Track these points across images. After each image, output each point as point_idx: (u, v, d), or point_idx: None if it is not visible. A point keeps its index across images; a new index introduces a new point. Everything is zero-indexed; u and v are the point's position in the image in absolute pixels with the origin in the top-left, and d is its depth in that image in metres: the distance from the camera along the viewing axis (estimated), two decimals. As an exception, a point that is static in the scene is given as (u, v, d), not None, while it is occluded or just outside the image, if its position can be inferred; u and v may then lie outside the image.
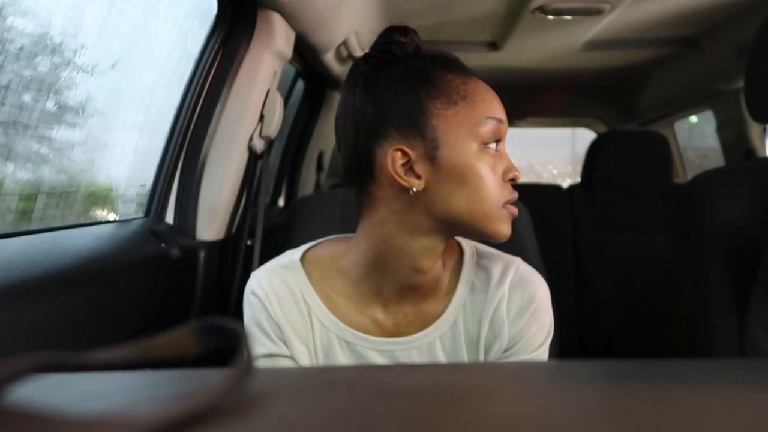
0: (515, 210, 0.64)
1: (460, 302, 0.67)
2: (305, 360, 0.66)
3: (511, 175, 0.62)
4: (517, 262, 0.70)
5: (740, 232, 0.91)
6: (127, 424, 0.21)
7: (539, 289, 0.69)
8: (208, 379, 0.30)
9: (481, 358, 0.67)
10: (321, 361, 0.67)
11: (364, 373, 0.33)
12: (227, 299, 1.31)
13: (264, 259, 1.28)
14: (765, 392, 0.28)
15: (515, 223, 0.89)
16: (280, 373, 0.35)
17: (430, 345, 0.66)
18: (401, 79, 0.61)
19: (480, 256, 0.71)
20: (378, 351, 0.66)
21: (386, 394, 0.27)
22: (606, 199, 1.97)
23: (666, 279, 1.83)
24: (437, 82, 0.61)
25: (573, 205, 2.00)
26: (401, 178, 0.60)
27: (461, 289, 0.68)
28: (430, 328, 0.66)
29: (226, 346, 0.30)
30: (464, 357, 0.67)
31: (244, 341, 0.28)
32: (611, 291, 1.93)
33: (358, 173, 0.63)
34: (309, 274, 0.68)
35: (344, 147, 0.65)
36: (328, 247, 0.70)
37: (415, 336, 0.66)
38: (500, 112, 0.62)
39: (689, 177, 2.77)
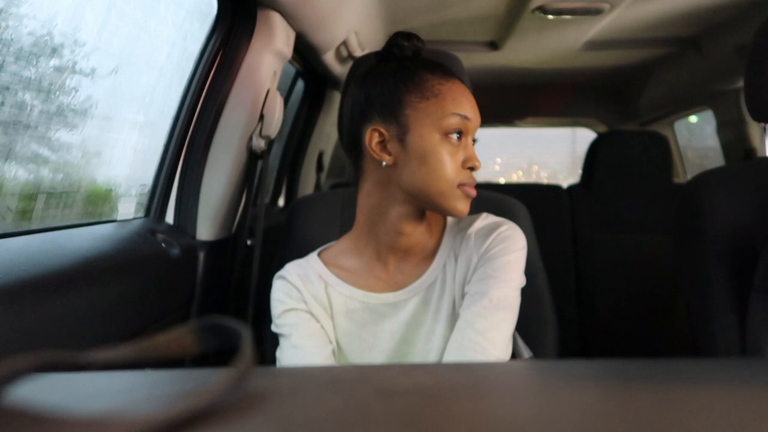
0: (471, 192, 0.74)
1: (445, 252, 0.80)
2: (323, 319, 0.79)
3: (469, 164, 0.74)
4: (491, 216, 0.83)
5: (740, 231, 0.91)
6: (127, 424, 0.21)
7: (505, 223, 0.80)
8: (208, 379, 0.30)
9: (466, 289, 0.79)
10: (342, 321, 0.79)
11: (364, 372, 0.33)
12: (227, 299, 1.31)
13: (264, 259, 1.29)
14: (765, 392, 0.28)
15: (516, 222, 0.89)
16: (280, 372, 0.35)
17: (426, 290, 0.79)
18: (389, 75, 0.75)
19: (463, 219, 0.83)
20: (386, 304, 0.79)
21: (386, 393, 0.27)
22: (606, 198, 1.97)
23: (666, 279, 1.83)
24: (417, 80, 0.74)
25: (573, 205, 2.01)
26: (375, 152, 0.74)
27: (445, 243, 0.81)
28: (424, 276, 0.79)
29: (226, 345, 0.30)
30: (456, 294, 0.78)
31: (244, 340, 0.28)
32: (611, 291, 1.93)
33: (351, 148, 0.79)
34: (324, 261, 0.82)
35: (344, 126, 0.80)
36: (337, 243, 0.85)
37: (413, 285, 0.79)
38: (468, 111, 0.74)
39: (689, 177, 2.77)
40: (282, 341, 0.79)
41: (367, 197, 0.78)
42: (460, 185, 0.73)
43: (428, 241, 0.81)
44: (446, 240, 0.81)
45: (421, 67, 0.75)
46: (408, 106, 0.72)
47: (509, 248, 0.77)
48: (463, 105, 0.73)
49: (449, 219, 0.84)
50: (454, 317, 0.77)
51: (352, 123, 0.77)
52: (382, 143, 0.74)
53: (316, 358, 0.76)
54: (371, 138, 0.74)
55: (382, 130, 0.73)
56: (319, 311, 0.79)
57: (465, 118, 0.73)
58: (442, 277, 0.79)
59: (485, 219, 0.82)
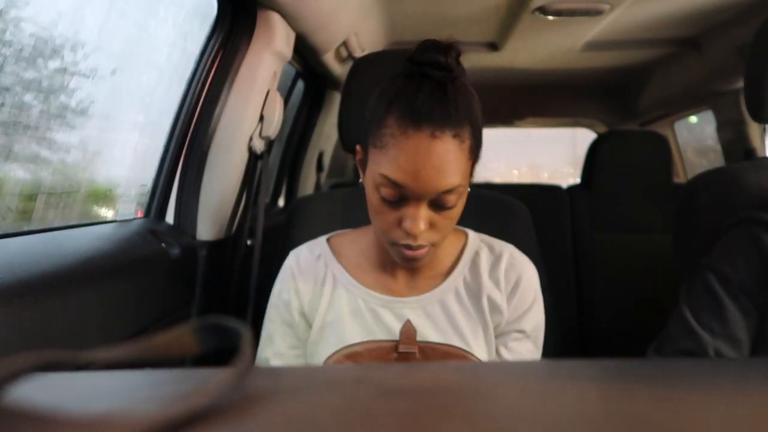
0: (408, 253, 0.67)
1: (461, 275, 0.78)
2: (316, 313, 0.78)
3: (404, 225, 0.65)
4: (512, 248, 0.80)
5: None
6: (127, 423, 0.21)
7: (527, 269, 0.79)
8: (208, 379, 0.30)
9: (488, 318, 0.76)
10: (344, 319, 0.76)
11: (364, 372, 0.33)
12: (227, 299, 1.31)
13: (264, 259, 1.28)
14: (765, 392, 0.28)
15: (516, 223, 0.88)
16: (280, 372, 0.35)
17: (437, 303, 0.76)
18: (376, 98, 0.68)
19: (482, 240, 0.81)
20: (387, 307, 0.76)
21: (386, 393, 0.27)
22: (606, 199, 1.97)
23: (666, 279, 1.83)
24: (380, 122, 0.65)
25: (573, 205, 2.00)
26: (358, 167, 0.73)
27: (462, 265, 0.78)
28: (434, 291, 0.76)
29: (226, 345, 0.30)
30: (464, 321, 0.76)
31: (244, 340, 0.28)
32: (611, 290, 1.93)
33: None
34: (334, 252, 0.80)
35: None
36: (351, 232, 0.84)
37: (421, 296, 0.76)
38: (407, 177, 0.62)
39: (689, 177, 2.77)
40: (265, 330, 0.82)
41: None
42: (395, 244, 0.68)
43: (442, 259, 0.79)
44: (464, 261, 0.79)
45: (394, 106, 0.64)
46: (369, 143, 0.68)
47: (538, 305, 0.79)
48: (403, 168, 0.62)
49: (470, 235, 0.82)
50: (455, 339, 0.76)
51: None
52: (362, 162, 0.73)
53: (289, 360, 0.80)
54: (357, 153, 0.74)
55: (361, 150, 0.73)
56: (309, 299, 0.79)
57: (395, 184, 0.63)
58: (454, 297, 0.77)
59: (510, 256, 0.79)
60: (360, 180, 0.75)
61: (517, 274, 0.77)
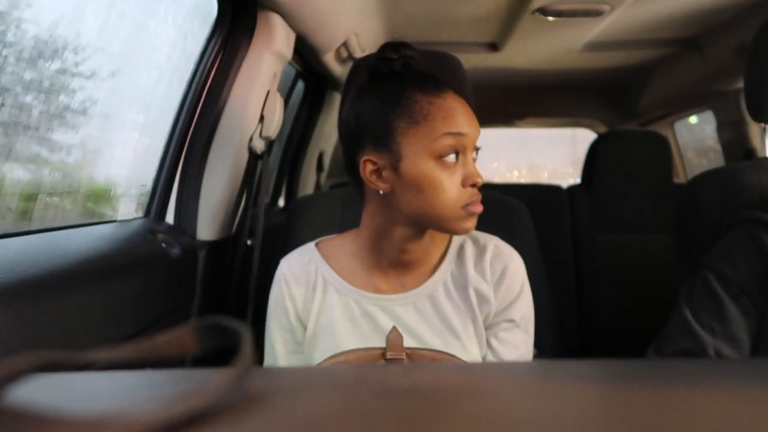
0: (477, 208, 0.71)
1: (448, 269, 0.80)
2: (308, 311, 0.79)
3: (470, 182, 0.71)
4: (496, 239, 0.82)
5: None
6: (127, 424, 0.21)
7: (514, 258, 0.80)
8: (208, 379, 0.30)
9: (476, 310, 0.78)
10: (336, 324, 0.77)
11: (364, 373, 0.33)
12: (227, 299, 1.31)
13: (264, 259, 1.29)
14: (765, 392, 0.28)
15: (516, 223, 0.88)
16: (280, 372, 0.35)
17: (426, 298, 0.78)
18: (377, 100, 0.71)
19: (467, 234, 0.81)
20: (378, 306, 0.78)
21: (386, 394, 0.27)
22: (606, 198, 1.97)
23: (666, 279, 1.83)
24: (404, 102, 0.70)
25: (573, 205, 2.00)
26: (371, 182, 0.72)
27: (449, 260, 0.80)
28: (422, 286, 0.78)
29: (226, 345, 0.30)
30: (453, 314, 0.78)
31: (244, 340, 0.28)
32: (611, 291, 1.93)
33: (350, 172, 0.77)
34: (324, 255, 0.81)
35: (342, 147, 0.78)
36: (338, 237, 0.84)
37: (410, 292, 0.78)
38: (462, 126, 0.70)
39: (690, 177, 2.76)
40: (267, 340, 0.83)
41: (371, 217, 0.77)
42: (465, 206, 0.70)
43: (431, 255, 0.80)
44: (450, 256, 0.81)
45: (410, 85, 0.71)
46: (398, 132, 0.69)
47: (525, 293, 0.79)
48: (456, 121, 0.69)
49: None
50: (446, 332, 0.77)
51: (347, 148, 0.76)
52: (377, 172, 0.72)
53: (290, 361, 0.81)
54: (365, 168, 0.72)
55: (375, 159, 0.71)
56: (305, 312, 0.80)
57: (459, 134, 0.69)
58: (442, 291, 0.79)
59: (495, 247, 0.80)
60: (381, 191, 0.72)
61: (502, 264, 0.79)
